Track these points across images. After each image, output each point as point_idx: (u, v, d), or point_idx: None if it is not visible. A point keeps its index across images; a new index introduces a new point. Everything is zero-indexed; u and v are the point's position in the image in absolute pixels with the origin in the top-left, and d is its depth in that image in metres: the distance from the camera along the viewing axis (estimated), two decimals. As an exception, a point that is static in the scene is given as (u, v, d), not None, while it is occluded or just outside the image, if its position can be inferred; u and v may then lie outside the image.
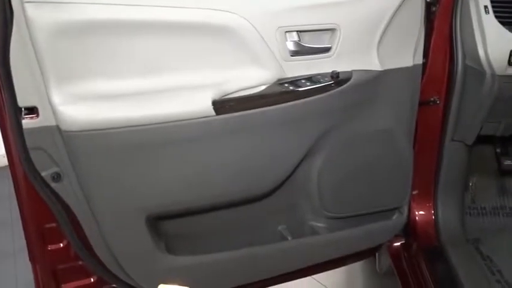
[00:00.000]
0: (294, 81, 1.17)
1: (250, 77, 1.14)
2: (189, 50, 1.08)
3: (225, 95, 1.10)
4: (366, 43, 1.23)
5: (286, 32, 1.15)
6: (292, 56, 1.17)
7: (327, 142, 1.28)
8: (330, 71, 1.20)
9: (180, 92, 1.08)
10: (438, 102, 1.48)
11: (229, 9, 1.08)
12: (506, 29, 1.24)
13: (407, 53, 1.31)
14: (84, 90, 1.00)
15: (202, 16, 1.07)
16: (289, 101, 1.12)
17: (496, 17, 1.26)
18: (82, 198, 1.07)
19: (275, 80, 1.16)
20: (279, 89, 1.13)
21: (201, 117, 1.05)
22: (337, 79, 1.18)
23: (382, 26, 1.23)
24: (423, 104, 1.45)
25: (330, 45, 1.21)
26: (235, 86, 1.12)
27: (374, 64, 1.25)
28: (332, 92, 1.17)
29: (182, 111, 1.05)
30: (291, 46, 1.17)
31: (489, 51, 1.25)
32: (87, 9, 0.97)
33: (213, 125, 1.07)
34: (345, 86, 1.18)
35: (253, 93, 1.11)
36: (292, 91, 1.13)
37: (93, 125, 0.99)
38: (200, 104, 1.05)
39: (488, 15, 1.25)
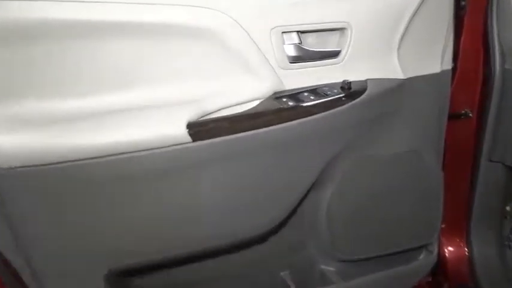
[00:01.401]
0: (295, 95, 0.92)
1: (239, 91, 0.89)
2: (161, 57, 0.85)
3: (206, 115, 0.85)
4: (384, 45, 0.99)
5: (284, 32, 0.91)
6: (291, 62, 0.93)
7: (338, 168, 1.03)
8: (340, 80, 0.96)
9: (149, 112, 0.83)
10: (471, 115, 1.23)
11: (212, 6, 0.84)
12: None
13: (434, 57, 1.06)
14: (22, 112, 0.76)
15: (177, 15, 0.83)
16: (288, 120, 0.88)
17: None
18: (19, 251, 0.82)
19: (270, 93, 0.92)
20: (275, 104, 0.89)
21: (174, 145, 0.81)
22: (349, 91, 0.93)
23: (404, 24, 0.98)
24: (453, 117, 1.19)
25: (339, 49, 0.96)
26: (220, 102, 0.87)
27: (394, 71, 1.00)
28: (343, 107, 0.92)
29: (150, 137, 0.80)
30: (290, 50, 0.93)
31: None
32: (31, 7, 0.73)
33: (191, 155, 0.83)
34: (358, 99, 0.94)
35: (242, 112, 0.87)
36: (293, 107, 0.88)
37: (32, 159, 0.75)
38: (173, 128, 0.80)
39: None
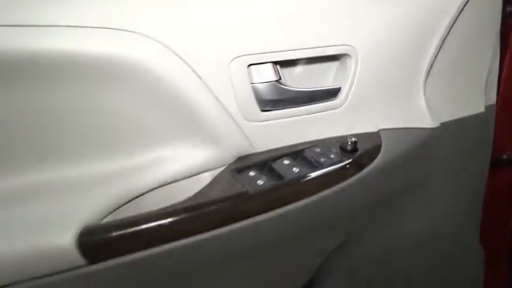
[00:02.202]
0: (268, 164, 0.58)
1: (176, 161, 0.56)
2: (48, 115, 0.51)
3: (118, 207, 0.52)
4: (405, 78, 0.65)
5: (252, 65, 0.57)
6: (264, 110, 0.59)
7: (339, 264, 0.70)
8: (339, 134, 0.62)
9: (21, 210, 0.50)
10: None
11: (129, 27, 0.50)
12: None
13: (476, 90, 0.73)
14: None
15: (78, 42, 0.49)
16: (257, 213, 0.54)
17: None
18: None
19: (229, 161, 0.58)
20: (234, 184, 0.55)
21: (61, 272, 0.47)
22: (354, 153, 0.60)
23: (434, 46, 0.65)
24: (492, 166, 0.87)
25: (337, 86, 0.63)
26: (140, 183, 0.54)
27: (420, 116, 0.67)
28: (345, 183, 0.58)
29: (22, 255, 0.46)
30: (261, 92, 0.59)
31: None
32: None
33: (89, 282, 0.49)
34: (369, 167, 0.60)
35: (177, 206, 0.52)
36: (264, 191, 0.54)
37: None
38: (56, 242, 0.46)
39: None
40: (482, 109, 0.74)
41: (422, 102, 0.67)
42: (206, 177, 0.56)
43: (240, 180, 0.54)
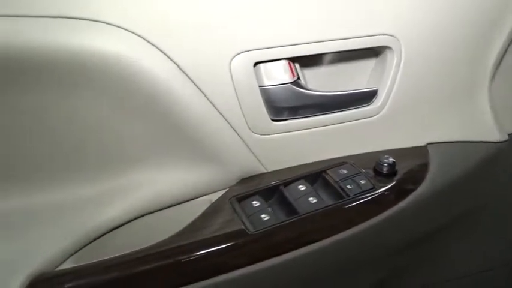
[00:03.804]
0: (279, 189, 0.46)
1: (155, 188, 0.45)
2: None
3: (83, 246, 0.41)
4: (463, 78, 0.50)
5: (259, 63, 0.44)
6: (276, 120, 0.46)
7: None
8: (373, 150, 0.49)
9: None
10: None
11: (108, 19, 0.39)
12: None
13: None
14: None
15: (40, 34, 0.38)
16: (259, 258, 0.41)
17: None
18: None
19: (232, 182, 0.47)
20: (232, 221, 0.43)
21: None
22: (392, 177, 0.46)
23: (500, 43, 0.49)
24: None
25: (373, 88, 0.49)
26: (114, 214, 0.44)
27: (483, 127, 0.52)
28: (381, 216, 0.45)
29: None
30: (274, 96, 0.46)
31: None
32: None
33: None
34: (412, 195, 0.46)
35: (151, 250, 0.40)
36: (268, 231, 0.42)
37: None
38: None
39: None
40: None
41: (486, 109, 0.51)
42: (200, 205, 0.45)
43: (239, 212, 0.42)
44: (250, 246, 0.40)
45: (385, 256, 0.51)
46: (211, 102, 0.43)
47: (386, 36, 0.47)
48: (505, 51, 0.51)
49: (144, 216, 0.44)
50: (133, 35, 0.40)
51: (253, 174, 0.47)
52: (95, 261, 0.38)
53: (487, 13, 0.49)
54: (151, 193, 0.45)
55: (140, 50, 0.40)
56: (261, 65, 0.44)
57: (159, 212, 0.45)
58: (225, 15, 0.42)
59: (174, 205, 0.45)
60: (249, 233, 0.40)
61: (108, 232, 0.42)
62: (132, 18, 0.40)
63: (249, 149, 0.46)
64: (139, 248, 0.39)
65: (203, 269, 0.39)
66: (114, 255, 0.38)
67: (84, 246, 0.41)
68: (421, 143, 0.51)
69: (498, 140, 0.51)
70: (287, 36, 0.44)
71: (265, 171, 0.48)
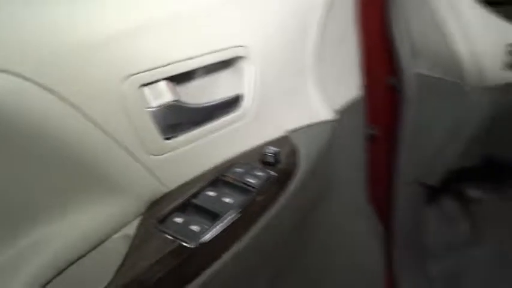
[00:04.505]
0: (191, 202, 0.47)
1: (73, 234, 0.41)
2: None
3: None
4: (297, 74, 0.62)
5: (144, 85, 0.45)
6: (167, 138, 0.47)
7: None
8: (251, 147, 0.55)
9: None
10: (377, 134, 0.97)
11: None
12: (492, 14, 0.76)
13: (354, 76, 0.75)
14: None
15: None
16: (206, 265, 0.43)
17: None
18: None
19: (141, 210, 0.46)
20: (167, 243, 0.42)
21: None
22: (277, 164, 0.54)
23: (313, 36, 0.63)
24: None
25: (238, 94, 0.55)
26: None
27: (318, 108, 0.64)
28: (284, 196, 0.52)
29: None
30: (161, 116, 0.47)
31: (469, 51, 0.76)
32: None
33: None
34: (299, 173, 0.55)
35: None
36: (210, 239, 0.43)
37: None
38: None
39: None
40: (360, 92, 0.76)
41: (316, 94, 0.64)
42: (120, 241, 0.42)
43: (168, 231, 0.42)
44: (196, 258, 0.41)
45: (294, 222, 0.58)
46: (103, 130, 0.41)
47: (240, 47, 0.54)
48: (317, 48, 0.64)
49: (62, 274, 0.39)
50: (4, 73, 0.36)
51: (158, 195, 0.47)
52: None
53: (300, 19, 0.61)
54: (60, 246, 0.40)
55: (15, 87, 0.36)
56: (146, 87, 0.45)
57: (77, 264, 0.40)
58: (108, 40, 0.41)
59: (91, 250, 0.42)
60: (190, 246, 0.41)
61: None
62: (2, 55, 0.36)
63: (150, 171, 0.46)
64: None
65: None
66: None
67: None
68: (284, 133, 0.60)
69: (328, 118, 0.64)
70: (163, 57, 0.46)
71: (168, 189, 0.48)
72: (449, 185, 1.07)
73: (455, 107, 0.83)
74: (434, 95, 0.85)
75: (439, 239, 1.16)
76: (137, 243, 0.42)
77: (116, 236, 0.43)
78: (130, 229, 0.44)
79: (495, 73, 0.76)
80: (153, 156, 0.46)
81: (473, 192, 1.12)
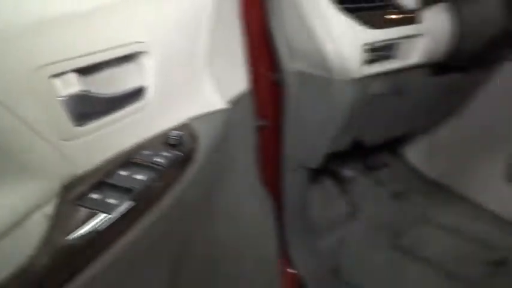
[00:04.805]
0: (104, 181, 0.52)
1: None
2: None
3: None
4: (193, 66, 0.70)
5: (55, 76, 0.49)
6: (78, 125, 0.52)
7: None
8: (153, 134, 0.62)
9: None
10: (266, 125, 1.09)
11: None
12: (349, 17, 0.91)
13: (240, 67, 0.85)
14: None
15: None
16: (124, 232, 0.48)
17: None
18: None
19: (55, 192, 0.49)
20: (87, 214, 0.47)
21: None
22: (180, 146, 0.61)
23: (205, 30, 0.72)
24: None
25: (142, 85, 0.61)
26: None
27: (213, 98, 0.73)
28: (189, 173, 0.59)
29: None
30: (72, 105, 0.51)
31: (333, 49, 0.91)
32: None
33: None
34: (200, 153, 0.62)
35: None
36: (128, 208, 0.49)
37: None
38: None
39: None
40: (248, 86, 0.86)
41: (210, 86, 0.72)
42: (38, 221, 0.46)
43: (89, 206, 0.47)
44: (115, 227, 0.46)
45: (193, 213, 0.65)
46: (17, 117, 0.45)
47: (140, 43, 0.60)
48: (208, 44, 0.72)
49: None
50: None
51: (73, 177, 0.51)
52: None
53: (192, 11, 0.69)
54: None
55: None
56: (56, 78, 0.49)
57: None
58: (23, 29, 0.45)
59: (8, 230, 0.44)
60: (110, 216, 0.46)
61: None
62: None
63: (62, 155, 0.50)
64: None
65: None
66: None
67: None
68: (185, 120, 0.67)
69: (222, 108, 0.73)
70: (70, 51, 0.50)
71: (83, 171, 0.52)
72: (328, 168, 1.24)
73: (326, 98, 0.98)
74: (309, 89, 0.99)
75: (323, 217, 1.33)
76: (57, 220, 0.46)
77: (34, 215, 0.46)
78: (49, 209, 0.47)
79: (356, 68, 0.92)
80: (65, 142, 0.50)
81: (347, 172, 1.31)
